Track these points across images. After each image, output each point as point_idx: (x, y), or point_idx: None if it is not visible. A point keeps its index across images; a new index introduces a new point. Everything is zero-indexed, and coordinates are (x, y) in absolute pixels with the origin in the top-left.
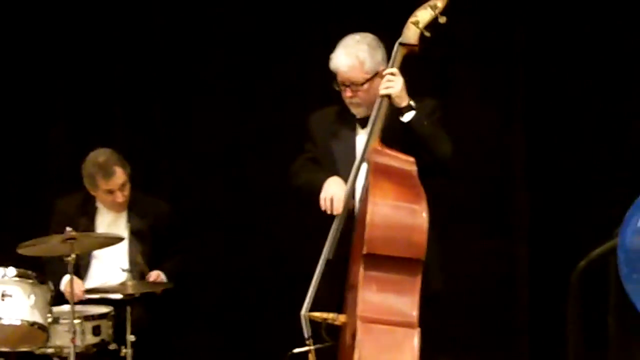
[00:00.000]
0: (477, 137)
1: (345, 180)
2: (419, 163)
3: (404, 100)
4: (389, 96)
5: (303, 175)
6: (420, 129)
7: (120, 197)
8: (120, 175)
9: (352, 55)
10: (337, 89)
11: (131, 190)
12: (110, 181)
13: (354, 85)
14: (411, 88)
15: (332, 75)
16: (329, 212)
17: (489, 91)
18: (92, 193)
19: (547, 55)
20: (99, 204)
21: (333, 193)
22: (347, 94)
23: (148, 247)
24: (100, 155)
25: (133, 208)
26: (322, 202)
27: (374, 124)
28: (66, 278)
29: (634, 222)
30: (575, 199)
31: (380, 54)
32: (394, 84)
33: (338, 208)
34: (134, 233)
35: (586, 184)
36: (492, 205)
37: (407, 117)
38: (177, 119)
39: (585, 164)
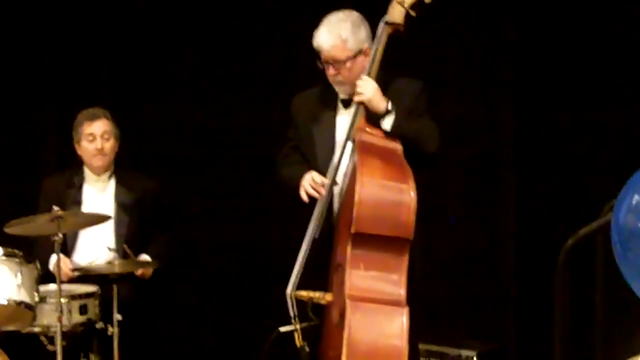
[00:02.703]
0: (464, 113)
1: (323, 171)
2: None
3: (380, 105)
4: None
5: (284, 169)
6: (402, 132)
7: (99, 144)
8: (105, 123)
9: (335, 33)
10: (320, 67)
11: (119, 165)
12: (94, 124)
13: (337, 63)
14: (398, 70)
15: (315, 53)
16: (312, 193)
17: (476, 70)
18: (79, 151)
19: (536, 33)
20: (86, 174)
21: (309, 177)
22: (331, 71)
23: (135, 221)
24: (92, 108)
25: (120, 181)
26: (303, 195)
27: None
28: (54, 257)
29: (627, 201)
30: (562, 177)
31: (363, 31)
32: (364, 90)
33: (322, 181)
34: (121, 205)
35: (574, 161)
36: (479, 183)
37: (387, 123)
38: (164, 101)
39: (573, 141)
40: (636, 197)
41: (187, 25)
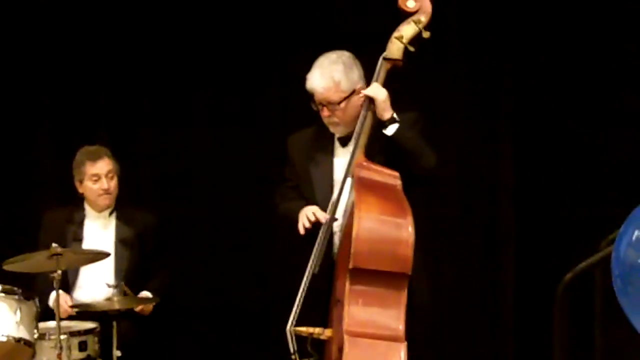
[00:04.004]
0: (463, 150)
1: (323, 207)
2: (403, 174)
3: (387, 112)
4: (372, 108)
5: (283, 205)
6: (404, 142)
7: (105, 184)
8: (108, 162)
9: (327, 75)
10: (315, 108)
11: (119, 200)
12: (97, 164)
13: (330, 105)
14: (397, 102)
15: (309, 96)
16: (309, 225)
17: (475, 104)
18: (80, 189)
19: (534, 68)
20: (87, 211)
21: (307, 209)
22: (325, 113)
23: (135, 257)
24: (91, 146)
25: (121, 217)
26: (300, 228)
27: (358, 138)
28: (54, 294)
29: (628, 235)
30: (561, 211)
31: (356, 72)
32: (376, 90)
33: (321, 216)
34: (121, 241)
35: (572, 196)
36: (478, 217)
37: (390, 130)
38: (163, 135)
39: (571, 176)
40: (637, 232)
41: (185, 57)
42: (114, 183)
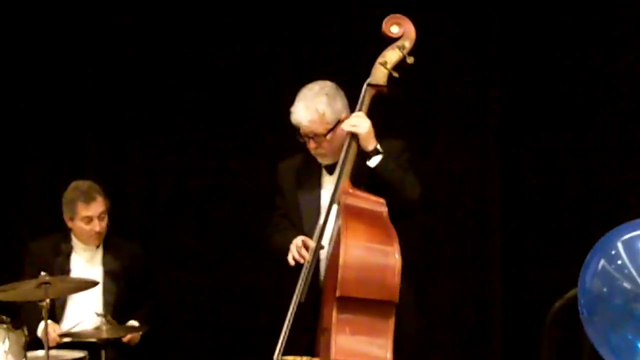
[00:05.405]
0: (451, 178)
1: (311, 234)
2: (387, 205)
3: (370, 144)
4: (356, 137)
5: (275, 236)
6: (386, 174)
7: (97, 226)
8: (100, 203)
9: (312, 108)
10: (301, 141)
11: (107, 231)
12: (91, 207)
13: (316, 137)
14: (384, 126)
15: (294, 128)
16: (298, 257)
17: (463, 128)
18: (70, 224)
19: (521, 89)
20: (74, 242)
21: (296, 240)
22: (312, 145)
23: (122, 289)
24: (83, 183)
25: (108, 249)
26: (290, 259)
27: (343, 166)
28: (42, 325)
29: (593, 265)
30: (549, 238)
31: (340, 102)
32: (359, 123)
33: (308, 244)
34: (108, 273)
35: (561, 223)
36: (466, 245)
37: (373, 161)
38: (151, 160)
39: (560, 202)
40: (602, 261)
41: (173, 84)
42: (104, 223)
